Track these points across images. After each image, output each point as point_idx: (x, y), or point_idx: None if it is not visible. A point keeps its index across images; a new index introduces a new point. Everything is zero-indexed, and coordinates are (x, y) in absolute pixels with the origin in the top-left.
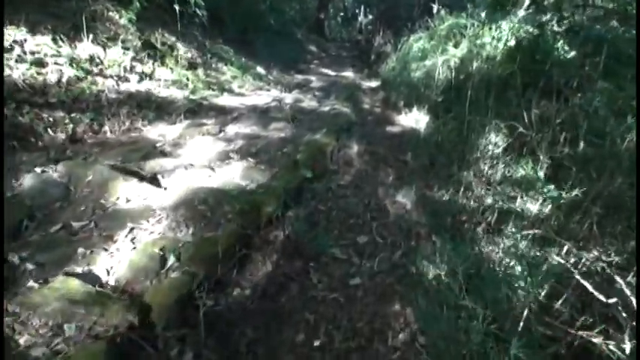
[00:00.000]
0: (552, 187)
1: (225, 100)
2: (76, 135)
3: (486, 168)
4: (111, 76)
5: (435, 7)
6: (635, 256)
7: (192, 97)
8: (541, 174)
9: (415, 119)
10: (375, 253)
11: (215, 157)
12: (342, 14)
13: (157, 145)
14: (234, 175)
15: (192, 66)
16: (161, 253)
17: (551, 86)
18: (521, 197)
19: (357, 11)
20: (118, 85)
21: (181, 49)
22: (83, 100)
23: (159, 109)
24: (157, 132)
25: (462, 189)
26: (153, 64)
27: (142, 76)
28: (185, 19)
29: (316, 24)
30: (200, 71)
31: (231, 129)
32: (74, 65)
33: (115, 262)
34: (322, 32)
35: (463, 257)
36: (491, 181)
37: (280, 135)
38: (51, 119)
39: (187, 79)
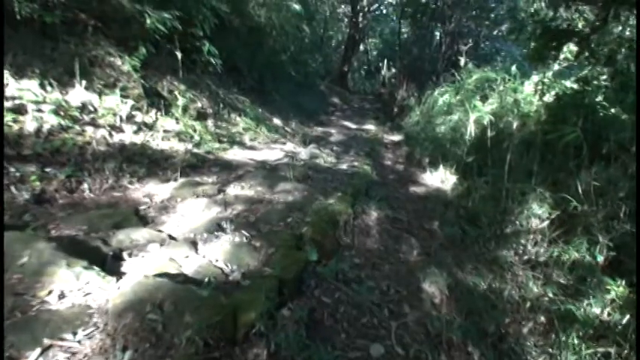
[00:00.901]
0: (620, 282)
1: (233, 154)
2: (44, 194)
3: (529, 246)
4: (104, 126)
5: (462, 60)
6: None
7: (196, 150)
8: (600, 258)
9: (441, 179)
10: None
11: (204, 227)
12: (365, 67)
13: (141, 208)
14: (219, 255)
15: (201, 116)
16: None
17: (602, 148)
18: (577, 290)
19: (380, 64)
20: (110, 136)
21: (191, 98)
22: (64, 153)
23: (154, 163)
24: (146, 191)
25: (501, 273)
26: (156, 113)
27: (141, 127)
28: (198, 68)
29: (339, 76)
30: (210, 122)
31: (232, 190)
32: (61, 113)
33: None
34: (345, 84)
35: None
36: (536, 262)
37: (287, 199)
38: (18, 174)
39: (194, 130)
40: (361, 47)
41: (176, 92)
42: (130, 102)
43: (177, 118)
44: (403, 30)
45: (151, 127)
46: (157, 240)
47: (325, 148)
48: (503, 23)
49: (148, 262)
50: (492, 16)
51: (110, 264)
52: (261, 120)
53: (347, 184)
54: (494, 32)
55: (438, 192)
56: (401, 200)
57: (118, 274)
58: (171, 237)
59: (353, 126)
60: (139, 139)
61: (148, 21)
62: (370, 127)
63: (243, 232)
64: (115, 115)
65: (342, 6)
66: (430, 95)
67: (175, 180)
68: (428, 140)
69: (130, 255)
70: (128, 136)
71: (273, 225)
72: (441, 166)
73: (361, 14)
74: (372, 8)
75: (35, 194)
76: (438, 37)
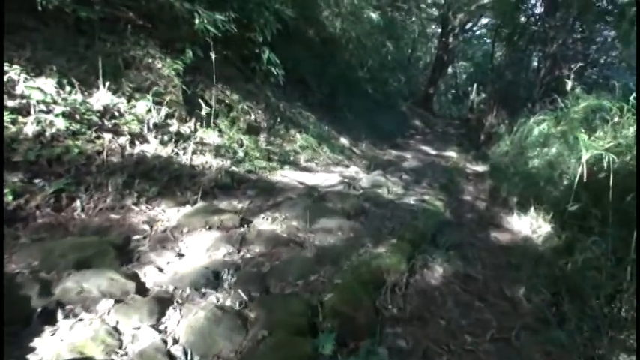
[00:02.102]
0: None
1: (281, 175)
2: (21, 211)
3: None
4: (125, 134)
5: (569, 84)
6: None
7: (234, 168)
8: None
9: (531, 225)
10: None
11: (193, 276)
12: (453, 91)
13: (134, 238)
14: (184, 332)
15: (252, 130)
16: None
17: None
18: None
19: (469, 88)
20: (131, 146)
21: (244, 109)
22: (65, 163)
23: (174, 181)
24: (151, 215)
25: None
26: (195, 124)
27: (173, 138)
28: (257, 78)
29: (424, 98)
30: (262, 137)
31: (259, 222)
32: (76, 117)
33: None
34: (430, 107)
35: None
36: None
37: (324, 242)
38: None
39: (240, 145)
40: (449, 70)
41: (227, 101)
42: (165, 109)
43: (221, 131)
44: (497, 53)
45: (186, 138)
46: (118, 293)
47: (394, 175)
48: (614, 48)
49: (73, 334)
50: (601, 39)
51: (33, 327)
52: (325, 139)
53: (409, 226)
54: (604, 59)
55: (526, 243)
56: (477, 250)
57: (24, 348)
58: (140, 289)
59: (432, 152)
60: (165, 151)
61: (197, 21)
62: (452, 154)
63: (241, 291)
64: (141, 122)
65: (433, 26)
66: (524, 124)
67: (195, 203)
68: (518, 175)
69: (66, 315)
70: (152, 147)
71: (288, 283)
72: (532, 210)
73: (452, 35)
74: (464, 28)
75: (9, 210)
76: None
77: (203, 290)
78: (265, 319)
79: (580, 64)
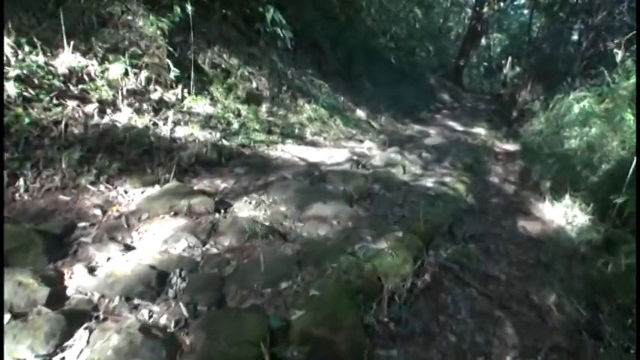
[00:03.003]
0: None
1: (281, 150)
2: None
3: None
4: (94, 102)
5: (619, 55)
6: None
7: (225, 142)
8: None
9: (566, 215)
10: None
11: (132, 283)
12: (485, 64)
13: (79, 226)
14: None
15: (253, 99)
16: None
17: None
18: None
19: (503, 62)
20: (100, 115)
21: (244, 75)
22: (13, 134)
23: (147, 156)
24: (108, 197)
25: None
26: (184, 91)
27: (153, 106)
28: (262, 40)
29: (454, 71)
30: (264, 107)
31: (241, 207)
32: (34, 81)
33: None
34: (459, 80)
35: None
36: None
37: (313, 234)
38: None
39: (237, 115)
40: (483, 41)
41: (224, 66)
42: (145, 73)
43: (214, 99)
44: (534, 24)
45: (170, 107)
46: (21, 305)
47: (412, 152)
48: None
49: None
50: None
51: None
52: (339, 110)
53: (422, 214)
54: None
55: (559, 235)
56: (502, 242)
57: None
58: (55, 299)
59: (459, 127)
60: (142, 121)
61: None
62: (480, 131)
63: (184, 303)
64: (115, 88)
65: None
66: (561, 100)
67: (165, 182)
68: (552, 157)
69: None
70: (125, 116)
71: (251, 292)
72: (567, 197)
73: (486, 3)
74: None
75: None
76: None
77: (136, 301)
78: (203, 349)
79: (630, 34)
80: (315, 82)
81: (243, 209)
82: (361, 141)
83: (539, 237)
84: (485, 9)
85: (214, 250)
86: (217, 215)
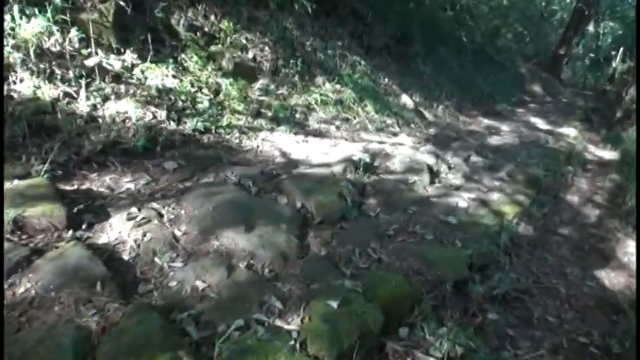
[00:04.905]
0: None
1: (263, 140)
2: None
3: None
4: None
5: None
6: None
7: (173, 125)
8: None
9: None
10: None
11: None
12: (591, 55)
13: None
14: None
15: (244, 72)
16: None
17: None
18: None
19: (612, 54)
20: None
21: (237, 43)
22: None
23: (30, 140)
24: None
25: None
26: (140, 57)
27: (82, 74)
28: (274, 1)
29: (552, 61)
30: (259, 83)
31: (114, 223)
32: None
33: None
34: (557, 72)
35: None
36: None
37: (183, 289)
38: None
39: (215, 91)
40: (590, 29)
41: (208, 30)
42: (75, 33)
43: (184, 70)
44: None
45: (113, 77)
46: None
47: (458, 154)
48: None
49: None
50: None
51: None
52: (374, 93)
53: (412, 260)
54: None
55: None
56: (555, 304)
57: None
58: None
59: (543, 126)
60: (52, 93)
61: None
62: (571, 131)
63: None
64: (25, 50)
65: None
66: None
67: (25, 177)
68: None
69: None
70: (26, 85)
71: None
72: None
73: None
74: None
75: None
76: None
77: None
78: None
79: None
80: (348, 57)
81: (116, 228)
82: (395, 134)
83: (618, 300)
84: None
85: None
86: (66, 234)
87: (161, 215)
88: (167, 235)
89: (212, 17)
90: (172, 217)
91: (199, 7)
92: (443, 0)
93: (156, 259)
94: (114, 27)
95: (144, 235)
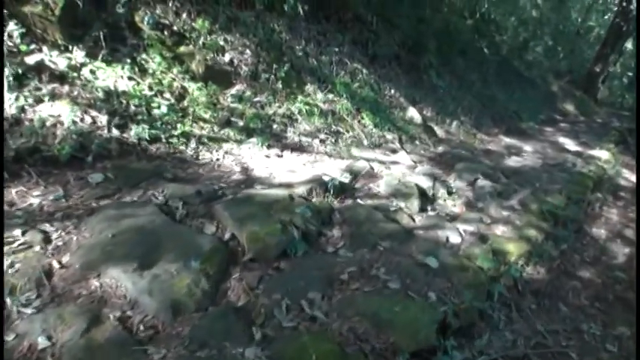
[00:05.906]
0: None
1: (225, 153)
2: None
3: None
4: None
5: None
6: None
7: (116, 132)
8: None
9: None
10: None
11: None
12: (629, 74)
13: None
14: None
15: (217, 77)
16: None
17: None
18: None
19: None
20: None
21: (211, 44)
22: None
23: None
24: None
25: None
26: (91, 56)
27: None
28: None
29: (587, 79)
30: (235, 89)
31: None
32: None
33: None
34: (593, 90)
35: None
36: None
37: None
38: None
39: (179, 96)
40: (629, 46)
41: (178, 29)
42: (14, 27)
43: (144, 71)
44: None
45: (58, 77)
46: None
47: (463, 177)
48: None
49: None
50: None
51: None
52: (375, 105)
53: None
54: None
55: None
56: None
57: None
58: None
59: (572, 147)
60: None
61: None
62: (602, 154)
63: None
64: None
65: None
66: None
67: None
68: None
69: None
70: None
71: None
72: None
73: None
74: None
75: None
76: None
77: None
78: None
79: None
80: (347, 65)
81: None
82: (394, 151)
83: None
84: (634, 3)
85: None
86: None
87: (49, 241)
88: (41, 267)
89: (184, 15)
90: (61, 244)
91: (170, 4)
92: (462, 7)
93: (8, 299)
94: (60, 22)
95: (11, 265)
